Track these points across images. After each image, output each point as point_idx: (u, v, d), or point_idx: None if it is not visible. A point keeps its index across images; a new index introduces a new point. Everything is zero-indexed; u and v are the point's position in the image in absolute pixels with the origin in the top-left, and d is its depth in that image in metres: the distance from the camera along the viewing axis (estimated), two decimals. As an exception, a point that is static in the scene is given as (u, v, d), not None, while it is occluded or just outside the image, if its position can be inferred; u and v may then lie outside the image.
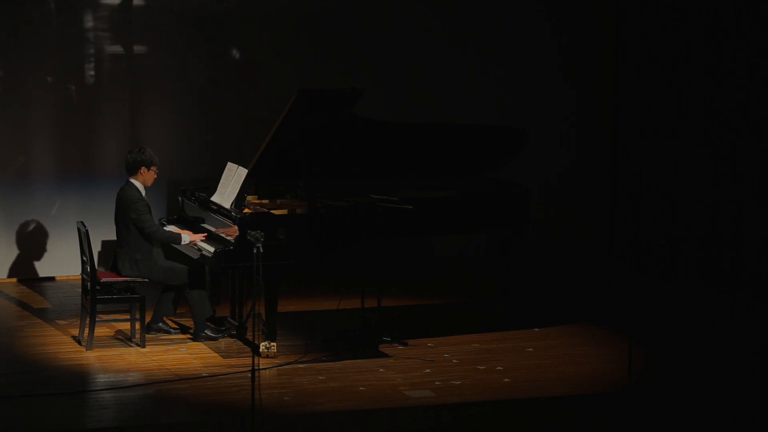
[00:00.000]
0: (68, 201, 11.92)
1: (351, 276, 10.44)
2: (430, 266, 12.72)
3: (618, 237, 13.01)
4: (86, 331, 9.51)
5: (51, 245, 11.91)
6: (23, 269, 11.91)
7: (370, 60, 12.53)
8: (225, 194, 9.69)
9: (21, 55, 11.73)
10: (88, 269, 9.50)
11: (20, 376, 8.89)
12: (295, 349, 9.59)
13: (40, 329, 10.18)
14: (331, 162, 9.88)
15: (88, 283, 9.51)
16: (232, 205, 9.55)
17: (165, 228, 9.86)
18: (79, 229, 9.70)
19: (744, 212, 11.67)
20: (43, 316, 10.59)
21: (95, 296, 9.46)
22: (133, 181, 9.71)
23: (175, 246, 9.71)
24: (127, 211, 9.60)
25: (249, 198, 9.87)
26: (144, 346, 9.56)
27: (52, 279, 11.95)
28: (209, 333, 9.75)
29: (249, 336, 9.79)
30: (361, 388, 8.70)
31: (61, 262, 11.90)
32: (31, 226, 11.89)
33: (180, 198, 10.42)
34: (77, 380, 8.83)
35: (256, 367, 7.82)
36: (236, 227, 9.23)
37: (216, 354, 9.47)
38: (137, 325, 9.64)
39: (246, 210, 9.59)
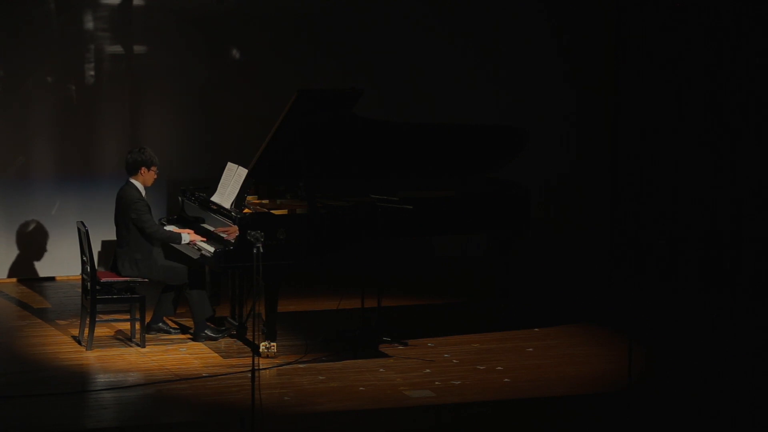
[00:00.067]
0: (68, 201, 11.92)
1: (351, 276, 10.45)
2: (430, 266, 12.72)
3: (618, 237, 13.01)
4: (86, 331, 9.51)
5: (51, 245, 11.91)
6: (23, 269, 11.91)
7: (370, 60, 12.53)
8: (225, 194, 9.69)
9: (21, 55, 11.73)
10: (88, 269, 9.50)
11: (20, 376, 8.89)
12: (295, 349, 9.59)
13: (40, 329, 10.18)
14: (331, 162, 9.88)
15: (88, 283, 9.51)
16: (232, 205, 9.55)
17: (165, 228, 9.86)
18: (79, 229, 9.70)
19: (744, 212, 11.67)
20: (43, 316, 10.59)
21: (95, 296, 9.46)
22: (133, 181, 9.70)
23: (175, 246, 9.71)
24: (127, 211, 9.60)
25: (249, 198, 9.87)
26: (144, 346, 9.56)
27: (52, 279, 11.95)
28: (209, 333, 9.75)
29: (249, 336, 9.79)
30: (361, 388, 8.70)
31: (61, 262, 11.90)
32: (31, 226, 11.89)
33: (180, 198, 10.42)
34: (77, 380, 8.83)
35: (256, 367, 7.82)
36: (236, 227, 9.24)
37: (216, 354, 9.47)
38: (137, 325, 9.64)
39: (246, 210, 9.59)
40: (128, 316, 9.67)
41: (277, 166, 9.75)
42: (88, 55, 11.93)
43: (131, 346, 9.63)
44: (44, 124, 11.86)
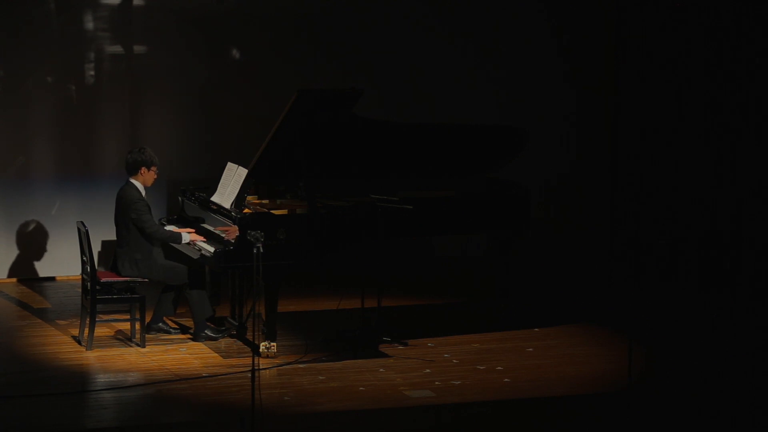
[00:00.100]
0: (68, 201, 11.92)
1: (351, 276, 10.45)
2: (430, 266, 12.72)
3: (618, 237, 13.00)
4: (86, 331, 9.51)
5: (51, 245, 11.90)
6: (23, 269, 11.91)
7: (370, 60, 12.53)
8: (225, 194, 9.69)
9: (21, 55, 11.73)
10: (88, 269, 9.50)
11: (20, 376, 8.89)
12: (295, 349, 9.59)
13: (40, 329, 10.18)
14: (331, 162, 9.88)
15: (88, 283, 9.51)
16: (232, 205, 9.55)
17: (165, 228, 9.86)
18: (79, 229, 9.70)
19: (744, 212, 11.66)
20: (43, 316, 10.59)
21: (95, 296, 9.46)
22: (133, 181, 9.70)
23: (175, 246, 9.71)
24: (127, 211, 9.60)
25: (249, 198, 9.87)
26: (144, 346, 9.56)
27: (52, 279, 11.95)
28: (209, 333, 9.75)
29: (249, 336, 9.79)
30: (361, 388, 8.70)
31: (61, 262, 11.90)
32: (31, 226, 11.89)
33: (180, 198, 10.42)
34: (77, 380, 8.83)
35: (256, 367, 7.82)
36: (236, 227, 9.24)
37: (216, 354, 9.47)
38: (137, 325, 9.64)
39: (246, 210, 9.59)
40: (128, 316, 9.67)
41: (277, 166, 9.75)
42: (88, 55, 11.93)
43: (131, 346, 9.63)
44: (44, 124, 11.86)
